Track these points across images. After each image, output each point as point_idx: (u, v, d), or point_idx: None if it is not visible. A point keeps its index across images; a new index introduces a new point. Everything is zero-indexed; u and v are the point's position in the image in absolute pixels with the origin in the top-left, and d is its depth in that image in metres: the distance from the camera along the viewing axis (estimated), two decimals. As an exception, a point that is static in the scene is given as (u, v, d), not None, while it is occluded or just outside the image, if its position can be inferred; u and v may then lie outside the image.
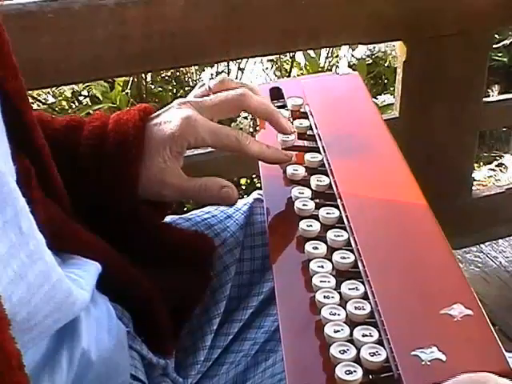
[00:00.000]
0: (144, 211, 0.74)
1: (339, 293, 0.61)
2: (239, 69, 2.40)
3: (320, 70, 2.37)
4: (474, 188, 1.70)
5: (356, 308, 0.59)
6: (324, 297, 0.60)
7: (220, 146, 0.74)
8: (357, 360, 0.55)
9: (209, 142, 0.73)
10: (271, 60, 2.55)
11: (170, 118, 0.73)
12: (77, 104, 2.29)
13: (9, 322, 0.46)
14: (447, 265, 0.62)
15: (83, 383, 0.63)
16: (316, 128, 0.80)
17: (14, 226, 0.50)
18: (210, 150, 1.33)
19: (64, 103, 2.31)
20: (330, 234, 0.67)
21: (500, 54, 2.80)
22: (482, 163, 2.57)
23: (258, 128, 0.85)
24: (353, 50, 2.47)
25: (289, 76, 2.46)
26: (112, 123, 0.74)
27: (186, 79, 2.45)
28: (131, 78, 2.18)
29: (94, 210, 0.72)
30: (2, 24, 0.62)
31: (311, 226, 0.69)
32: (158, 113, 0.76)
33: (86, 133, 0.74)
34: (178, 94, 2.37)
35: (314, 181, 0.74)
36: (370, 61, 2.54)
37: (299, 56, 2.45)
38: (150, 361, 0.74)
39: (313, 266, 0.64)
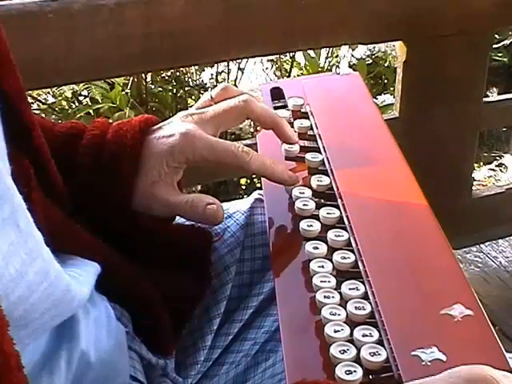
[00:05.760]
0: (141, 222, 0.73)
1: (339, 293, 0.61)
2: (239, 69, 2.40)
3: (320, 70, 2.38)
4: (474, 188, 1.71)
5: (356, 308, 0.59)
6: (324, 297, 0.61)
7: (219, 162, 0.73)
8: (357, 360, 0.55)
9: (207, 157, 0.72)
10: (271, 60, 2.55)
11: (170, 132, 0.73)
12: (77, 104, 2.30)
13: (7, 323, 0.46)
14: (447, 265, 0.62)
15: None
16: (317, 128, 0.80)
17: (12, 223, 0.50)
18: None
19: (64, 103, 2.31)
20: (331, 234, 0.67)
21: (500, 54, 2.80)
22: (482, 163, 2.57)
23: (258, 128, 0.84)
24: (353, 50, 2.47)
25: (289, 76, 2.46)
26: (111, 133, 0.74)
27: (186, 79, 2.46)
28: (131, 78, 2.18)
29: (92, 216, 0.72)
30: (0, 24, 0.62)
31: (312, 225, 0.69)
32: (159, 125, 0.75)
33: (85, 141, 0.74)
34: (178, 94, 2.38)
35: (315, 181, 0.74)
36: (370, 61, 2.54)
37: (299, 56, 2.45)
38: (150, 361, 0.74)
39: (313, 265, 0.64)
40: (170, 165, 0.72)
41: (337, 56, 2.49)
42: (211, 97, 0.78)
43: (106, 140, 0.73)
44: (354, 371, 0.54)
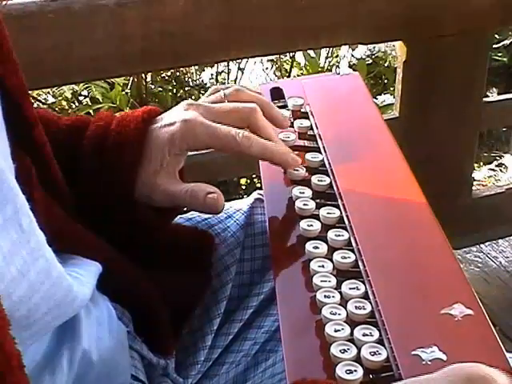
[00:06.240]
0: (143, 215, 0.73)
1: (340, 292, 0.61)
2: (239, 69, 2.40)
3: (320, 70, 2.38)
4: (474, 188, 1.71)
5: (356, 307, 0.59)
6: (324, 296, 0.61)
7: (219, 148, 0.73)
8: (357, 359, 0.55)
9: (208, 143, 0.72)
10: (271, 60, 2.56)
11: (171, 121, 0.73)
12: (77, 104, 2.30)
13: (9, 323, 0.46)
14: (448, 264, 0.62)
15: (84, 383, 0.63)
16: (317, 128, 0.80)
17: (14, 223, 0.50)
18: (210, 149, 1.33)
19: (64, 103, 2.31)
20: (331, 234, 0.67)
21: (500, 54, 2.80)
22: (482, 163, 2.57)
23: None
24: (353, 50, 2.48)
25: (289, 76, 2.46)
26: (115, 123, 0.74)
27: (186, 79, 2.46)
28: (131, 78, 2.18)
29: (95, 209, 0.72)
30: (1, 21, 0.62)
31: (312, 225, 0.69)
32: (162, 115, 0.75)
33: (89, 133, 0.74)
34: (178, 94, 2.38)
35: (315, 180, 0.74)
36: (370, 61, 2.55)
37: (299, 56, 2.46)
38: (150, 361, 0.74)
39: (313, 265, 0.64)
40: (171, 152, 0.72)
41: (337, 56, 2.49)
42: (224, 95, 0.78)
43: (110, 130, 0.74)
44: (355, 370, 0.54)
